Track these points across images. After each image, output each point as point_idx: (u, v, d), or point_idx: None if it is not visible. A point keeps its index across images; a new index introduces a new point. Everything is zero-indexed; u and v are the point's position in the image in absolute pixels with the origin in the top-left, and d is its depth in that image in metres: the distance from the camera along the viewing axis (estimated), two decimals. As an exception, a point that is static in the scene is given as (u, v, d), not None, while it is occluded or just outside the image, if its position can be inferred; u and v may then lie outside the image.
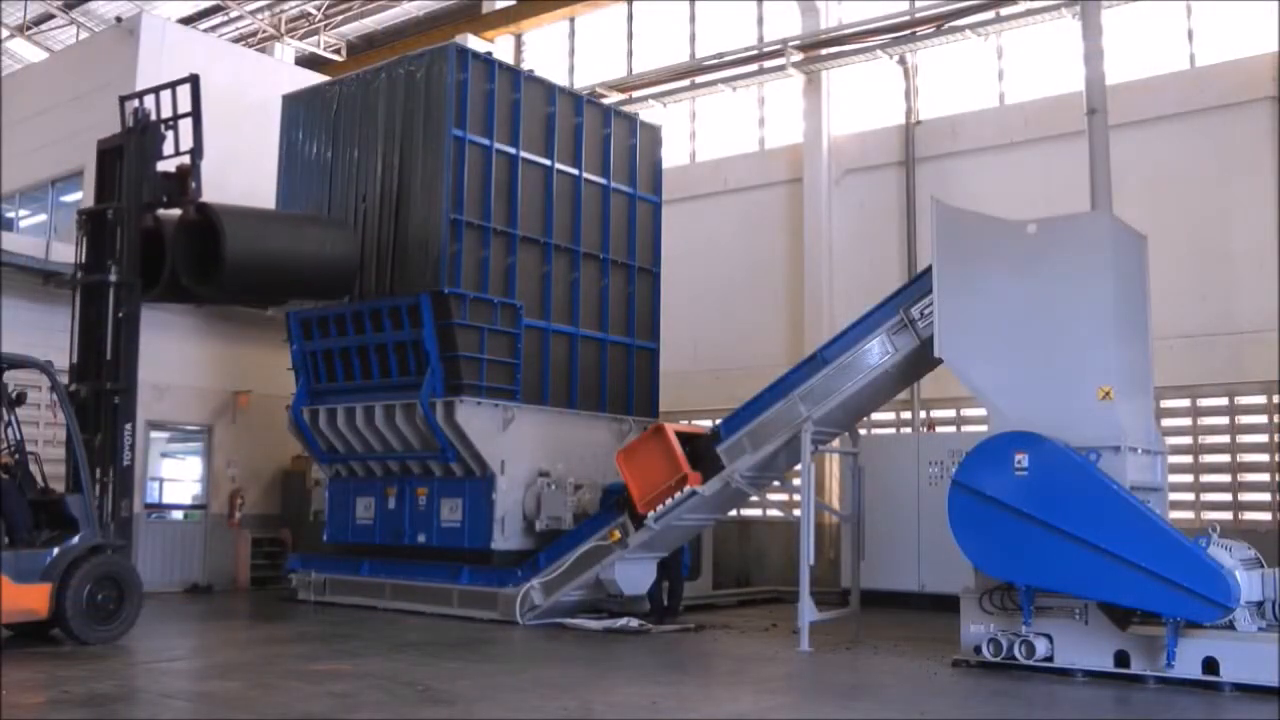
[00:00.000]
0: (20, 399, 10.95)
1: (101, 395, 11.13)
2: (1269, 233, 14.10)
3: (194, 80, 11.69)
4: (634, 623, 12.11)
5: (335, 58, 24.91)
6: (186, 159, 11.74)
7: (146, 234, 11.66)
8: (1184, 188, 14.77)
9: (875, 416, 15.40)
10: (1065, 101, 15.31)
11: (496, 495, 13.22)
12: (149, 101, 11.87)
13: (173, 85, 11.88)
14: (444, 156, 13.22)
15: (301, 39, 25.08)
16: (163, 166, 11.81)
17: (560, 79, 19.68)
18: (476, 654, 10.43)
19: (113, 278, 11.25)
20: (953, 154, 16.76)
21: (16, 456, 10.55)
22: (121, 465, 11.04)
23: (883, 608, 13.85)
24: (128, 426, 11.13)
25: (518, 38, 23.01)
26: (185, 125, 11.83)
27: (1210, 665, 8.52)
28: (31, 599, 9.88)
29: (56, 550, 10.19)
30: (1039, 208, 12.83)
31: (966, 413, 15.90)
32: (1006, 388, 9.65)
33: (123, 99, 12.07)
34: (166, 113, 11.89)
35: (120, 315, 11.22)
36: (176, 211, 12.10)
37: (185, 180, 11.69)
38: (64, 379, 11.28)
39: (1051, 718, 8.11)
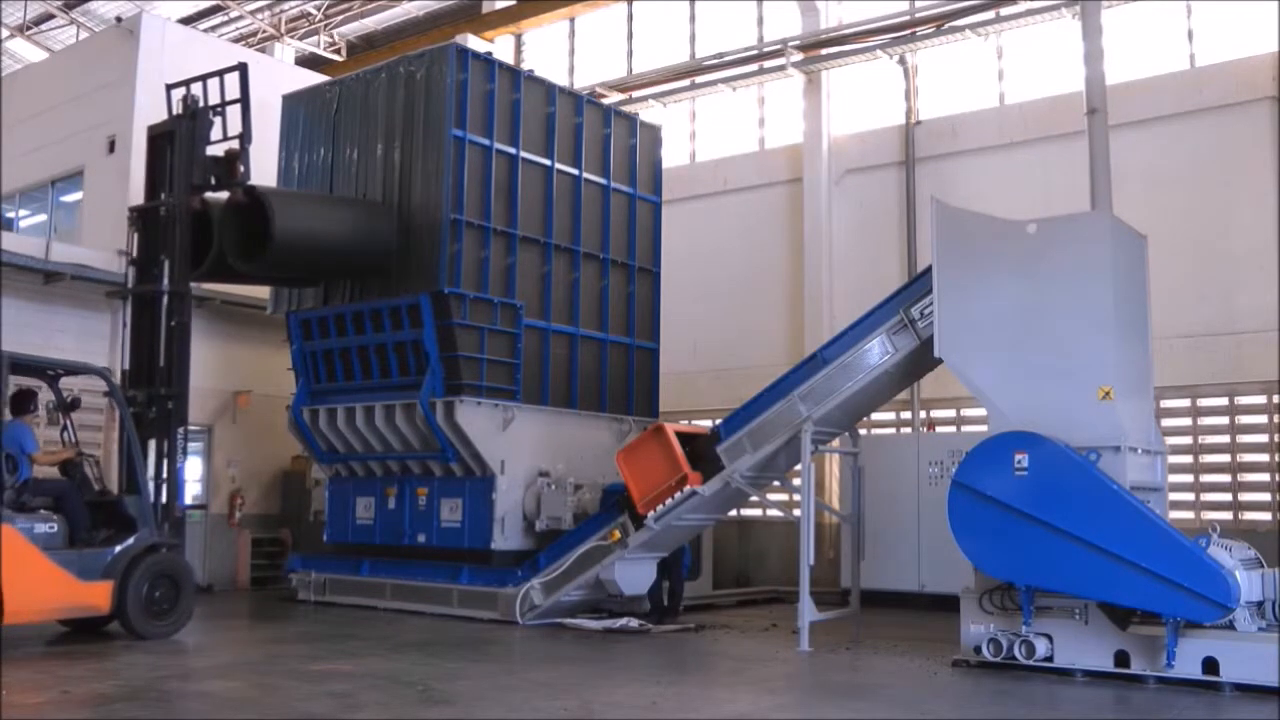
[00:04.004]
0: (75, 404, 11.36)
1: (155, 400, 11.44)
2: (1269, 233, 14.10)
3: (242, 68, 12.00)
4: (634, 623, 12.11)
5: (335, 58, 24.90)
6: (234, 144, 12.06)
7: (194, 215, 12.03)
8: (1184, 188, 14.77)
9: (875, 416, 15.39)
10: (1065, 101, 15.32)
11: (496, 495, 13.23)
12: (196, 89, 12.16)
13: (220, 73, 12.16)
14: (444, 156, 13.21)
15: (301, 39, 25.06)
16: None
17: (560, 79, 19.71)
18: (476, 654, 10.43)
19: (165, 287, 11.53)
20: (953, 154, 16.76)
21: (78, 457, 10.96)
22: (175, 467, 11.37)
23: (883, 608, 13.85)
24: (180, 430, 11.46)
25: (518, 38, 23.01)
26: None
27: (1210, 665, 8.52)
28: (95, 595, 10.35)
29: (117, 549, 10.58)
30: (1039, 208, 12.86)
31: (966, 413, 15.90)
32: (1006, 388, 9.64)
33: (169, 87, 12.39)
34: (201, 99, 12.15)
35: (172, 324, 11.53)
36: (222, 194, 12.48)
37: (234, 163, 12.03)
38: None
39: (1051, 718, 8.10)
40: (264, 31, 25.02)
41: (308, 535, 16.07)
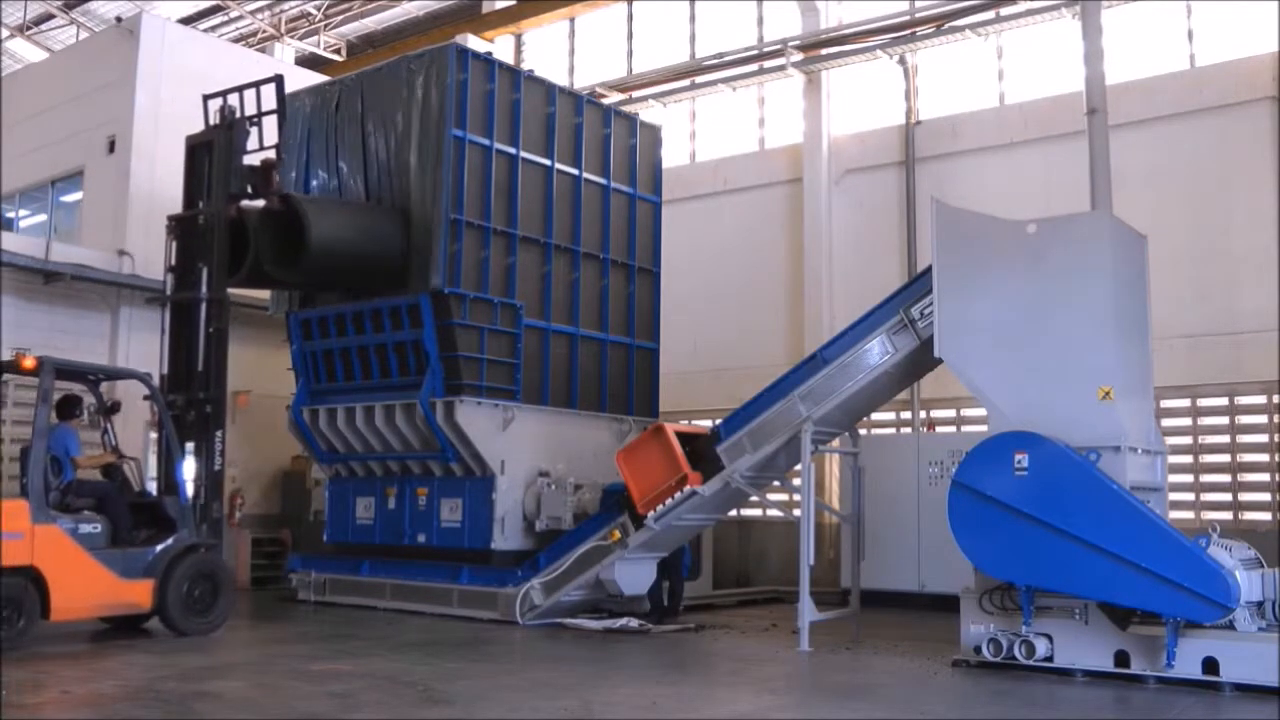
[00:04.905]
0: (115, 408, 11.67)
1: (193, 404, 11.67)
2: (1269, 233, 14.10)
3: (279, 80, 12.34)
4: (634, 623, 12.10)
5: (335, 58, 24.91)
6: (269, 154, 12.38)
7: (230, 223, 12.25)
8: (1184, 188, 14.77)
9: (875, 416, 15.39)
10: (1065, 101, 15.32)
11: (496, 495, 13.22)
12: (233, 100, 12.41)
13: (257, 85, 12.42)
14: (444, 156, 13.21)
15: (301, 39, 25.07)
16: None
17: (560, 79, 19.70)
18: (476, 654, 10.43)
19: (204, 294, 11.73)
20: (953, 154, 16.75)
21: (119, 460, 11.35)
22: (213, 469, 11.66)
23: (883, 608, 13.83)
24: (218, 434, 11.71)
25: (518, 38, 23.01)
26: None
27: (1210, 665, 8.52)
28: (136, 593, 10.71)
29: (158, 548, 10.93)
30: (1039, 208, 12.87)
31: (966, 413, 15.90)
32: (1006, 388, 9.64)
33: (206, 98, 12.58)
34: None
35: (211, 330, 11.75)
36: (258, 203, 12.76)
37: (270, 173, 12.37)
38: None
39: (1051, 718, 8.10)
40: (264, 31, 25.03)
41: (308, 535, 16.07)
